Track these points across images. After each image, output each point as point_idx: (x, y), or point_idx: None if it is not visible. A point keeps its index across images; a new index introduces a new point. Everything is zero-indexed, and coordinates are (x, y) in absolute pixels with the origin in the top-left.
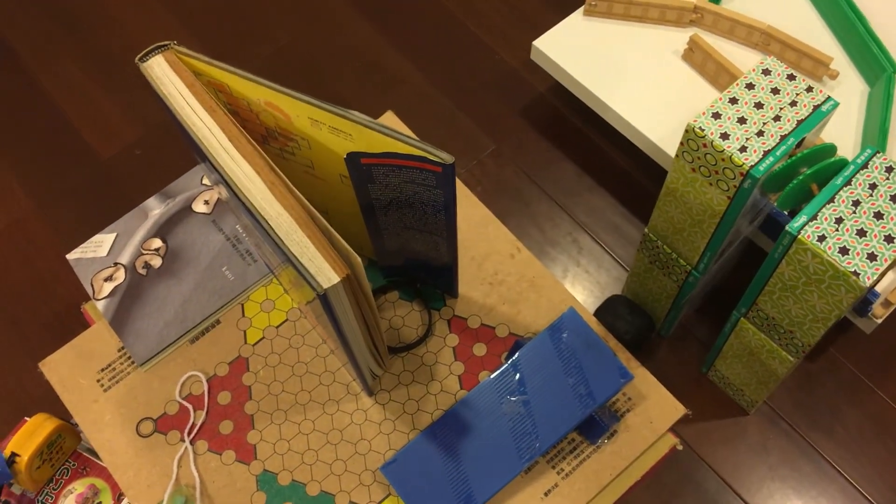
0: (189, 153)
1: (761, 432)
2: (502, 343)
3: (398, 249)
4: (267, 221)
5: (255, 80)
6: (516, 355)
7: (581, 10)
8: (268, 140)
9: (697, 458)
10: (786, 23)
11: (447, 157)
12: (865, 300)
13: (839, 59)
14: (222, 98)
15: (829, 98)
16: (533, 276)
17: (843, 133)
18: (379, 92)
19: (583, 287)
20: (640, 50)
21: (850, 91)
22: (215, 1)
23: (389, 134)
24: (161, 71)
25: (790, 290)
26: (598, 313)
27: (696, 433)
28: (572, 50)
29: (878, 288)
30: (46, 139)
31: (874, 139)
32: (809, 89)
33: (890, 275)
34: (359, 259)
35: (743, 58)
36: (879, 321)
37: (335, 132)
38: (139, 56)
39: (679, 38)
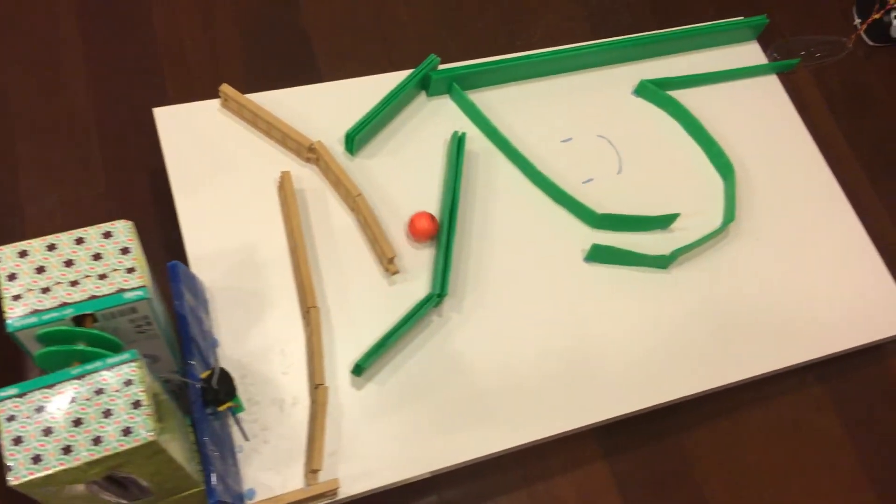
0: None
1: None
2: None
3: None
4: None
5: None
6: None
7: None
8: None
9: None
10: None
11: None
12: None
13: None
14: None
15: (141, 288)
16: None
17: None
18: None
19: None
20: (251, 163)
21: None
22: None
23: None
24: None
25: None
26: None
27: None
28: (185, 132)
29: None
30: None
31: None
32: (131, 270)
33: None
34: None
35: (338, 214)
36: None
37: None
38: None
39: (293, 168)
